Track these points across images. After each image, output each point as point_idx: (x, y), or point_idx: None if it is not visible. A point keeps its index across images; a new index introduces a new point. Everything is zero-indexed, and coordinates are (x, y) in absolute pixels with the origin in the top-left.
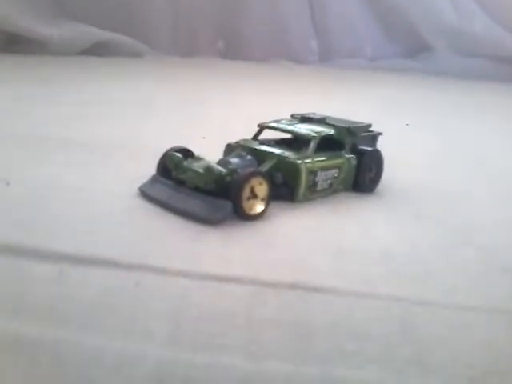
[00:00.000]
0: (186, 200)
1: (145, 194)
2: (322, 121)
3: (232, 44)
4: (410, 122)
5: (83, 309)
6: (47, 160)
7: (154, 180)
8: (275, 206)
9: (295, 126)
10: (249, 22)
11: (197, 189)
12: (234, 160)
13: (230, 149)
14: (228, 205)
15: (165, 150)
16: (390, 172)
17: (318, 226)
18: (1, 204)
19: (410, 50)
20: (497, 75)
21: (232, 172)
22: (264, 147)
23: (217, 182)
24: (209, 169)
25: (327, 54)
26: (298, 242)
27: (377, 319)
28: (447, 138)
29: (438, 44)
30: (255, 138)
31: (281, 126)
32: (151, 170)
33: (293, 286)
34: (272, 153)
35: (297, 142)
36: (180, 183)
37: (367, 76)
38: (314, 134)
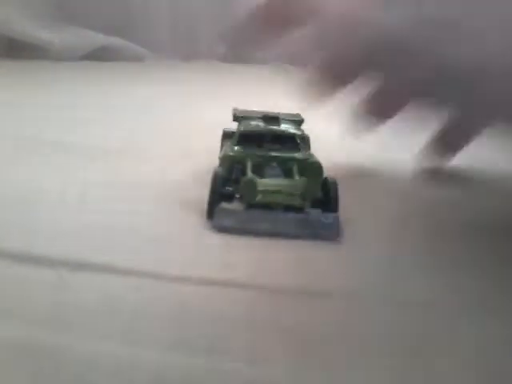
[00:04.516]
0: (300, 223)
1: (239, 229)
2: (276, 118)
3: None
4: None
5: (83, 314)
6: (47, 165)
7: (227, 211)
8: None
9: (272, 125)
10: None
11: (286, 208)
12: (273, 172)
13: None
14: (336, 216)
15: (217, 173)
16: None
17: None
18: None
19: None
20: None
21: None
22: (264, 152)
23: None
24: (306, 188)
25: None
26: (300, 245)
27: (380, 323)
28: None
29: None
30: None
31: (264, 127)
32: (151, 174)
33: (295, 291)
34: (284, 156)
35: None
36: (266, 207)
37: None
38: (303, 133)
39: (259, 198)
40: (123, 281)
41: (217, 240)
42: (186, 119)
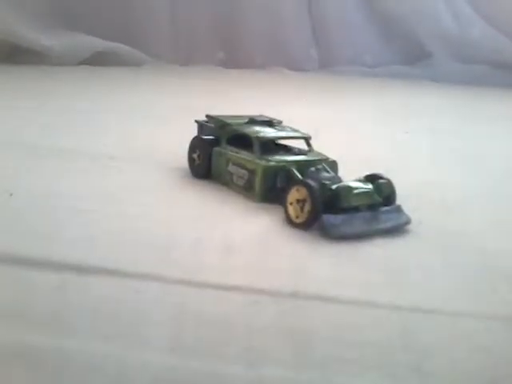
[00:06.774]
0: (384, 218)
1: (348, 234)
2: (268, 123)
3: (232, 53)
4: (409, 130)
5: (85, 317)
6: (48, 170)
7: (338, 219)
8: (275, 213)
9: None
10: (249, 31)
11: (369, 207)
12: (327, 175)
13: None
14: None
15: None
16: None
17: (317, 235)
18: (4, 214)
19: (410, 57)
20: (496, 81)
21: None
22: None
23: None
24: (378, 186)
25: (327, 61)
26: (298, 250)
27: (376, 326)
28: (447, 145)
29: (437, 51)
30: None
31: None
32: (150, 178)
33: (292, 295)
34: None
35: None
36: (354, 209)
37: (367, 83)
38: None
39: (354, 200)
40: (124, 284)
41: (216, 244)
42: (184, 124)
